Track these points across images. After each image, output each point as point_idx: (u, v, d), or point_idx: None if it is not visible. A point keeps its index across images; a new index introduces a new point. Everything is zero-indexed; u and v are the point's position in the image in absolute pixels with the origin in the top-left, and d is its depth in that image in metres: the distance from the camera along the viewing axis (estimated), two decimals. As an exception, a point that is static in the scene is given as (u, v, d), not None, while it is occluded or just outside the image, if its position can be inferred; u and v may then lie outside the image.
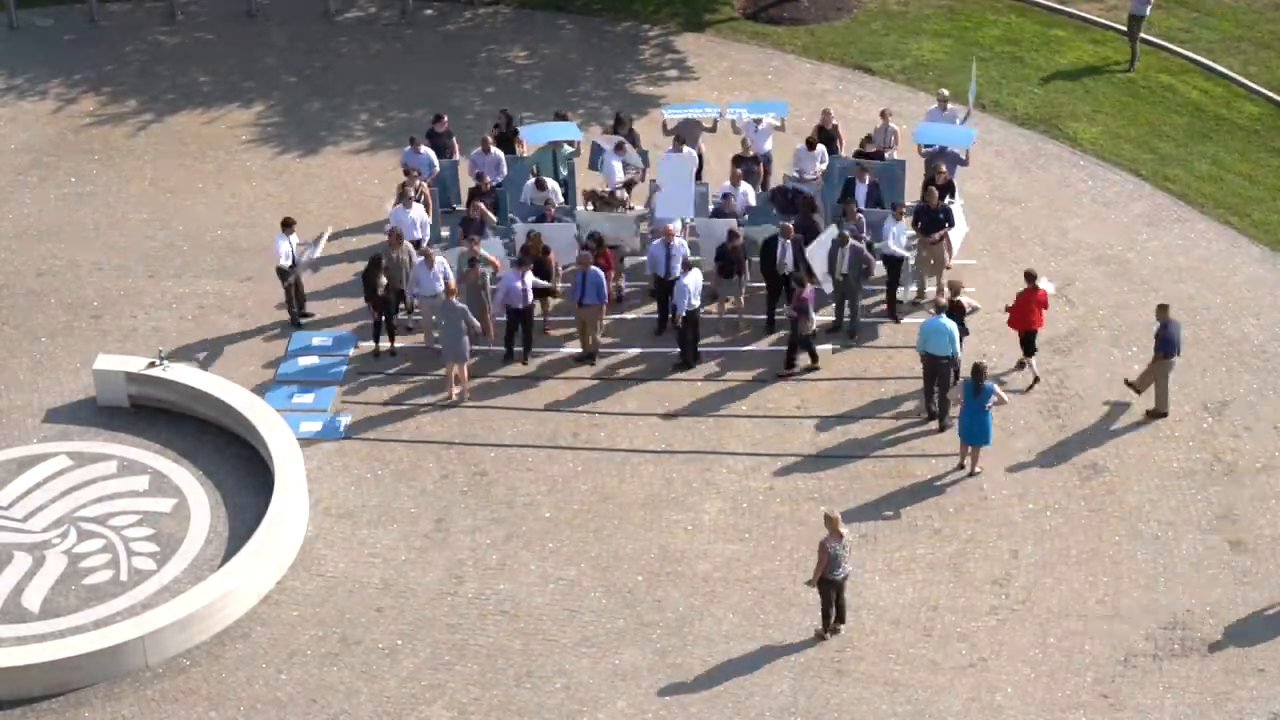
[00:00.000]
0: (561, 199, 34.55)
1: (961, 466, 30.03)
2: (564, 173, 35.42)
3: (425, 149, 35.61)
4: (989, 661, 26.79)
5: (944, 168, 34.45)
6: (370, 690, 26.61)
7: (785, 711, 26.10)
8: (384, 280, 32.15)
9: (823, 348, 32.43)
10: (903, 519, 29.27)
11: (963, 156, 35.30)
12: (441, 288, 32.04)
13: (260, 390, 31.76)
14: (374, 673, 26.87)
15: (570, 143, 35.63)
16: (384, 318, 32.66)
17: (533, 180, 34.51)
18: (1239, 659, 26.69)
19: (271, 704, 26.44)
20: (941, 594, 27.91)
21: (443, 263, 32.44)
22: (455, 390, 31.74)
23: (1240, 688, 26.25)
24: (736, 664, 26.80)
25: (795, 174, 34.79)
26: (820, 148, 35.25)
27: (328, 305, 34.20)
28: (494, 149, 35.46)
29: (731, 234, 32.91)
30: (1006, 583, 28.07)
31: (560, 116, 36.73)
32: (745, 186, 34.34)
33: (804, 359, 32.22)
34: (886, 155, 35.52)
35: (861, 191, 34.04)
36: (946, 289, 32.13)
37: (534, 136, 35.67)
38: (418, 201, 34.18)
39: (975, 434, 29.70)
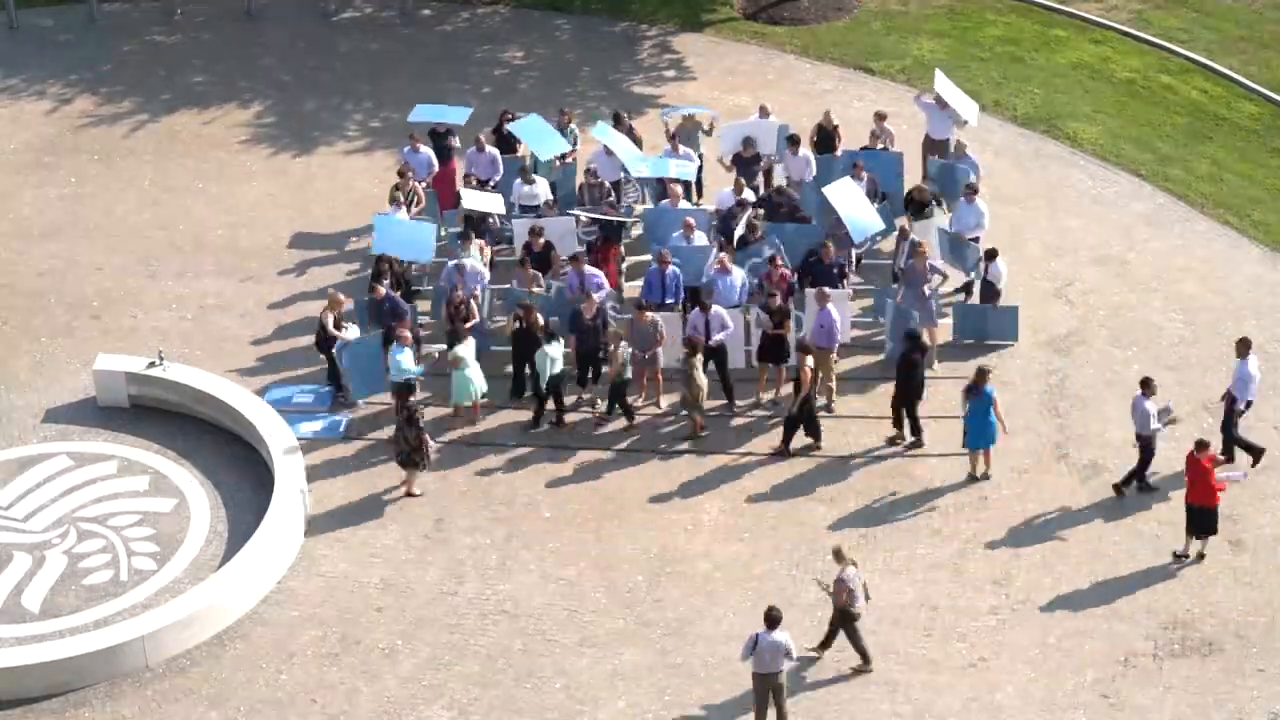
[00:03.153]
0: (551, 196, 34.47)
1: (974, 477, 29.83)
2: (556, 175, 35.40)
3: (424, 148, 35.58)
4: (989, 661, 26.79)
5: (939, 156, 34.58)
6: (370, 690, 26.62)
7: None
8: (385, 283, 32.05)
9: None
10: (903, 519, 29.26)
11: (963, 118, 35.47)
12: (476, 289, 32.01)
13: (260, 390, 31.76)
14: (374, 673, 26.87)
15: (561, 158, 35.51)
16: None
17: (519, 178, 34.51)
18: (1239, 659, 26.70)
19: (271, 704, 26.44)
20: (941, 594, 27.92)
21: (475, 264, 32.38)
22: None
23: (1240, 688, 26.25)
24: (736, 664, 26.77)
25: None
26: (804, 151, 35.18)
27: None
28: (489, 148, 35.43)
29: (750, 225, 32.83)
30: (1006, 583, 28.07)
31: (562, 116, 36.65)
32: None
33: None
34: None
35: (860, 188, 34.00)
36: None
37: (524, 134, 35.48)
38: (408, 204, 34.12)
39: (983, 437, 29.59)
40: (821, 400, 31.39)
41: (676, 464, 30.50)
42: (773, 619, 25.14)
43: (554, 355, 30.62)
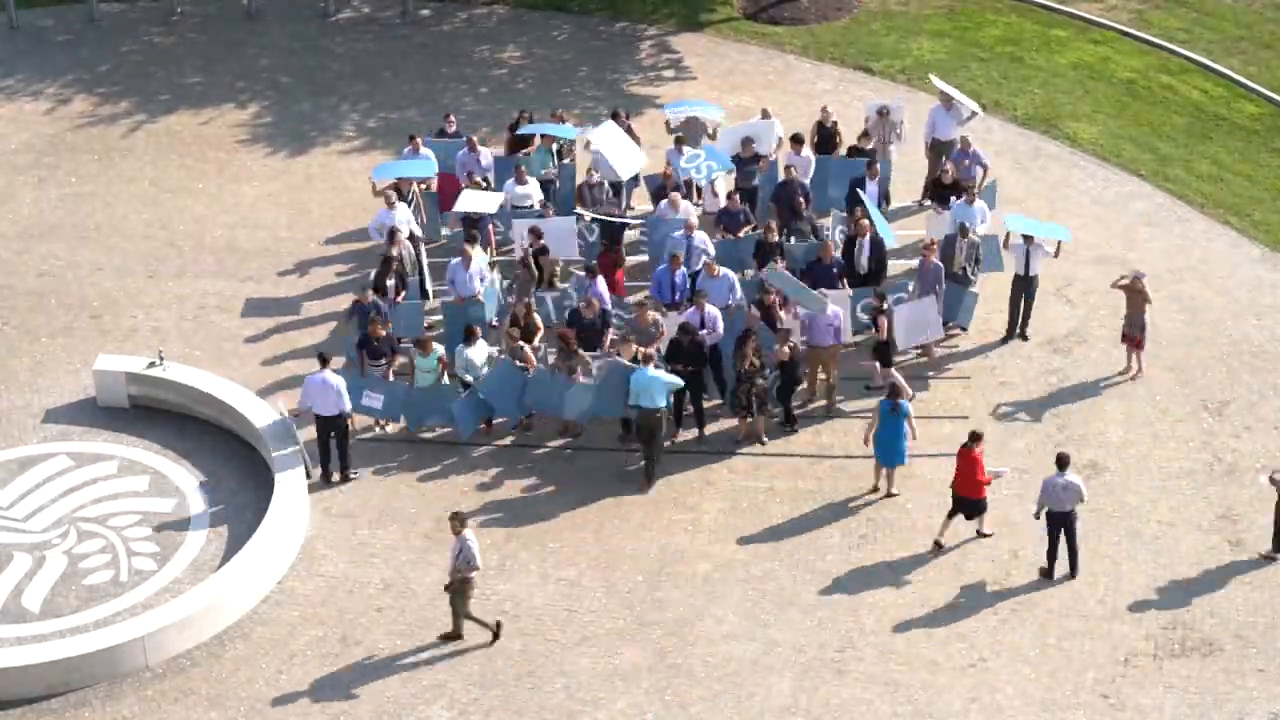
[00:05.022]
0: (542, 196, 34.45)
1: (876, 489, 29.70)
2: (552, 171, 35.35)
3: (425, 149, 35.50)
4: (989, 661, 26.79)
5: (952, 169, 34.44)
6: (370, 690, 26.61)
7: (785, 711, 26.11)
8: (391, 282, 32.07)
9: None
10: (903, 519, 29.25)
11: (966, 113, 35.85)
12: (479, 289, 32.00)
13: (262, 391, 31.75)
14: (374, 673, 26.86)
15: (559, 154, 35.54)
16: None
17: (513, 178, 34.50)
18: (1239, 659, 26.70)
19: (271, 704, 26.44)
20: (941, 594, 27.91)
21: (480, 263, 32.36)
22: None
23: (1240, 688, 26.26)
24: (736, 664, 26.81)
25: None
26: (807, 151, 35.16)
27: (332, 304, 34.26)
28: (480, 148, 35.40)
29: (767, 227, 32.82)
30: (1006, 583, 28.07)
31: (557, 117, 36.69)
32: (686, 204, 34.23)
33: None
34: (890, 150, 35.57)
35: (873, 190, 33.96)
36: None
37: (542, 128, 35.67)
38: (403, 202, 34.11)
39: (890, 455, 29.40)
40: (822, 401, 31.45)
41: (677, 464, 30.47)
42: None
43: (474, 358, 30.61)
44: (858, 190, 33.78)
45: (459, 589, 26.81)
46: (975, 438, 28.24)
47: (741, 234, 33.56)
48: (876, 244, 32.70)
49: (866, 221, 32.64)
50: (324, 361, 29.96)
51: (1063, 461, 27.54)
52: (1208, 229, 35.93)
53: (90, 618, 27.70)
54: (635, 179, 35.38)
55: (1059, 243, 32.76)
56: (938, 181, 34.54)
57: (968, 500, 28.40)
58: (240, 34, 43.59)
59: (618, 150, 34.44)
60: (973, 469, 28.18)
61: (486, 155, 35.37)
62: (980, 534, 28.70)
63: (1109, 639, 27.08)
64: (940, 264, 32.02)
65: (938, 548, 28.56)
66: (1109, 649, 26.93)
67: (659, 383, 29.53)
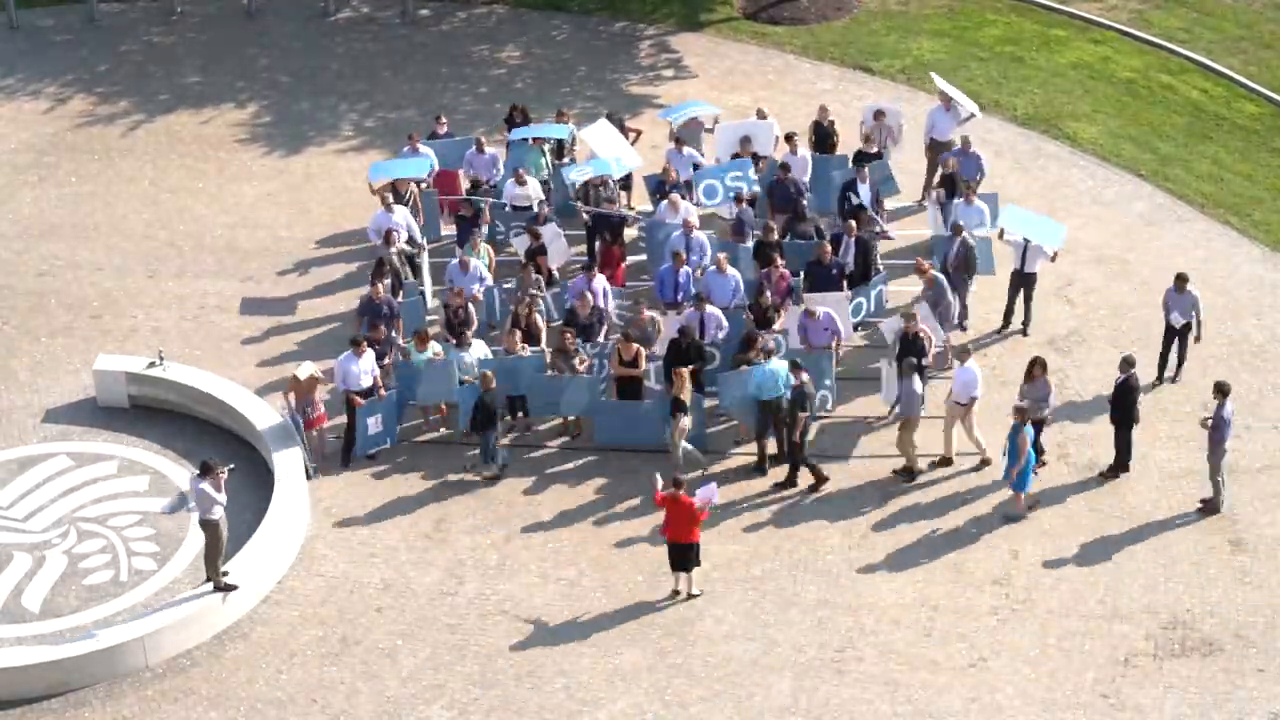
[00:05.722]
0: (543, 196, 34.47)
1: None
2: (545, 172, 35.31)
3: (423, 148, 35.51)
4: (989, 661, 26.80)
5: (952, 161, 34.42)
6: (370, 690, 26.62)
7: (785, 711, 26.11)
8: (387, 282, 32.10)
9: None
10: (903, 518, 29.26)
11: (965, 113, 35.53)
12: (477, 290, 31.98)
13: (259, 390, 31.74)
14: (374, 673, 26.88)
15: (559, 154, 35.55)
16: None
17: (513, 179, 34.48)
18: (1239, 659, 26.70)
19: (271, 704, 26.45)
20: (941, 594, 27.92)
21: (478, 265, 32.34)
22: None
23: (1240, 688, 26.26)
24: (736, 664, 26.81)
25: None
26: (803, 150, 35.15)
27: (331, 302, 34.26)
28: (489, 149, 35.42)
29: (767, 228, 32.84)
30: (1006, 583, 28.08)
31: (559, 116, 36.69)
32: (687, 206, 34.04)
33: None
34: (886, 153, 35.56)
35: (865, 193, 33.95)
36: (900, 318, 30.65)
37: (537, 132, 35.65)
38: (400, 204, 34.09)
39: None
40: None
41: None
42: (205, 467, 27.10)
43: (468, 360, 30.59)
44: (849, 193, 33.87)
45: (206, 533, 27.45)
46: (678, 484, 27.16)
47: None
48: (861, 243, 32.70)
49: (853, 222, 32.70)
50: (356, 344, 30.20)
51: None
52: (1208, 229, 35.94)
53: (90, 618, 27.71)
54: (628, 178, 35.39)
55: (1055, 250, 32.65)
56: (946, 177, 34.58)
57: (682, 546, 27.37)
58: (240, 34, 43.61)
59: (609, 148, 34.48)
60: (686, 512, 27.11)
61: (495, 155, 35.35)
62: (690, 595, 27.81)
63: (1109, 639, 27.09)
64: (941, 277, 31.88)
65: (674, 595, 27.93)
66: (1109, 649, 26.93)
67: (782, 374, 29.48)
